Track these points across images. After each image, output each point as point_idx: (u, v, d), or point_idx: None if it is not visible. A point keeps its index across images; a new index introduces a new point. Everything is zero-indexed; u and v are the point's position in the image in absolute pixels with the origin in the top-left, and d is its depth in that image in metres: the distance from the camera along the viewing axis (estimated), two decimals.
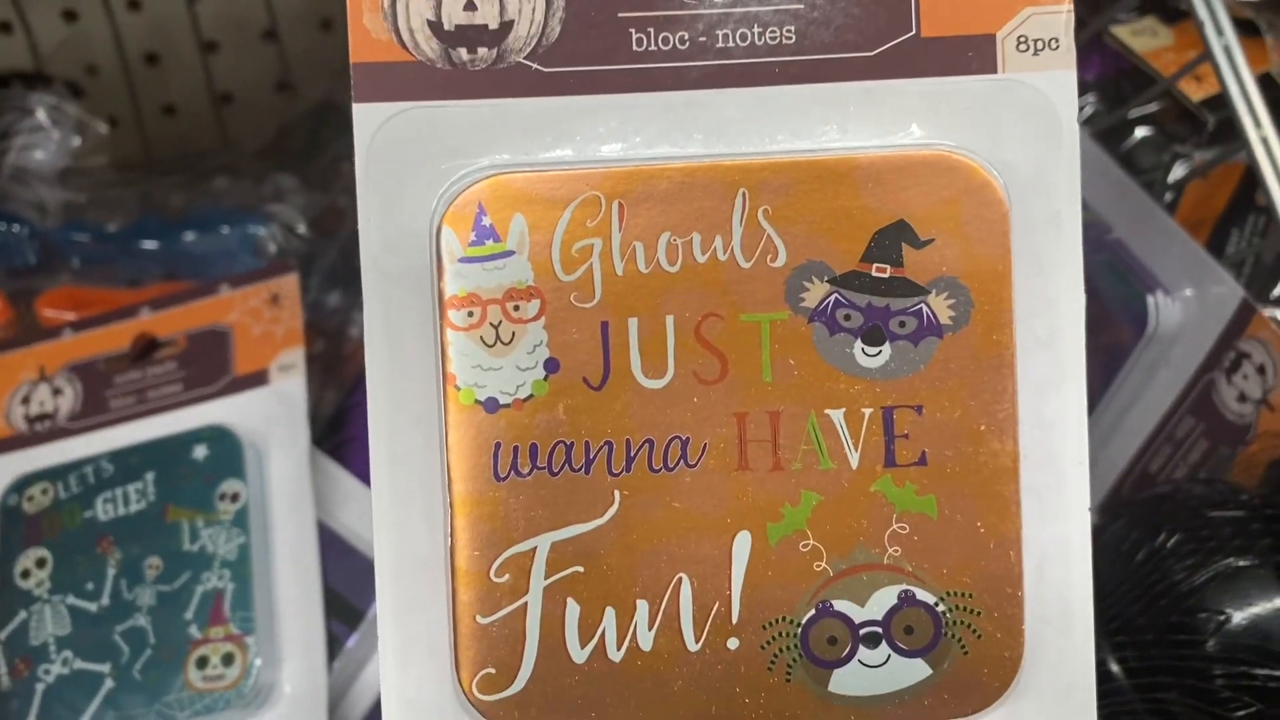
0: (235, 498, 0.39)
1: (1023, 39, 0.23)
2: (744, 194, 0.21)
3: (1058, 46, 0.23)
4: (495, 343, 0.21)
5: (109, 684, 0.37)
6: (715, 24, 0.23)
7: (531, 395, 0.21)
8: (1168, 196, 0.49)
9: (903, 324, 0.20)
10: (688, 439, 0.21)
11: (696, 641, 0.21)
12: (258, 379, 0.42)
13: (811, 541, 0.21)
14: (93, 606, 0.39)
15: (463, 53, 0.22)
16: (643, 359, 0.21)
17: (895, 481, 0.21)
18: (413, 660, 0.22)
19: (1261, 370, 0.39)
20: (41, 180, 0.55)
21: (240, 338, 0.43)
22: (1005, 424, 0.20)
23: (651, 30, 0.22)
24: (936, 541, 0.21)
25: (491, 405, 0.21)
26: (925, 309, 0.20)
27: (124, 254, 0.53)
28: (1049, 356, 0.21)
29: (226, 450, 0.40)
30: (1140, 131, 0.54)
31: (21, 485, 0.41)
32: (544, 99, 0.22)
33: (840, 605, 0.21)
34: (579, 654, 0.21)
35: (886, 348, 0.20)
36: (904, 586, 0.21)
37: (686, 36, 0.22)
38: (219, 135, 0.66)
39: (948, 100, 0.22)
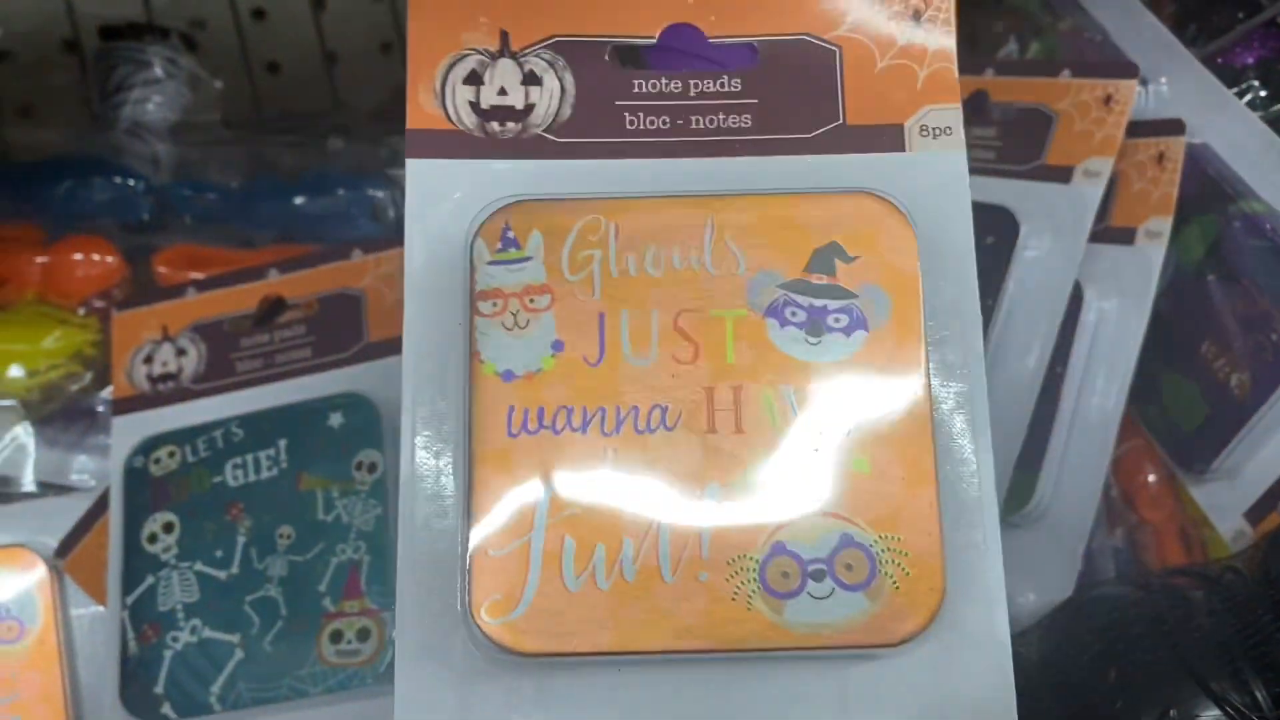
0: (373, 468, 0.38)
1: (924, 128, 0.31)
2: (712, 219, 0.27)
3: (951, 133, 0.31)
4: (514, 327, 0.27)
5: (239, 654, 0.36)
6: (690, 110, 0.30)
7: (540, 369, 0.27)
8: None
9: (837, 319, 0.27)
10: (666, 406, 0.26)
11: (672, 574, 0.25)
12: (392, 346, 0.40)
13: (769, 491, 0.26)
14: (222, 574, 0.37)
15: (494, 125, 0.30)
16: (631, 343, 0.27)
17: (834, 444, 0.26)
18: (428, 588, 0.26)
19: None
20: (155, 134, 0.54)
21: (373, 304, 0.41)
22: (921, 399, 0.26)
23: (641, 114, 0.30)
24: (869, 493, 0.26)
25: (508, 376, 0.26)
26: (855, 308, 0.27)
27: (238, 214, 0.52)
28: (955, 348, 0.27)
29: (363, 418, 0.38)
30: None
31: (148, 447, 0.40)
32: (557, 161, 0.30)
33: (792, 545, 0.26)
34: (574, 583, 0.26)
35: (825, 337, 0.27)
36: (844, 530, 0.25)
37: (668, 119, 0.30)
38: (326, 94, 0.65)
39: (868, 170, 0.30)
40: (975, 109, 0.49)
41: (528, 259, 0.27)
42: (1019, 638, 0.40)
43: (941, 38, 0.31)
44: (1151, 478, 0.50)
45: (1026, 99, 0.47)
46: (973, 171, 0.47)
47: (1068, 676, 0.36)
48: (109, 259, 0.49)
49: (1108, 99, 0.44)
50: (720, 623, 0.25)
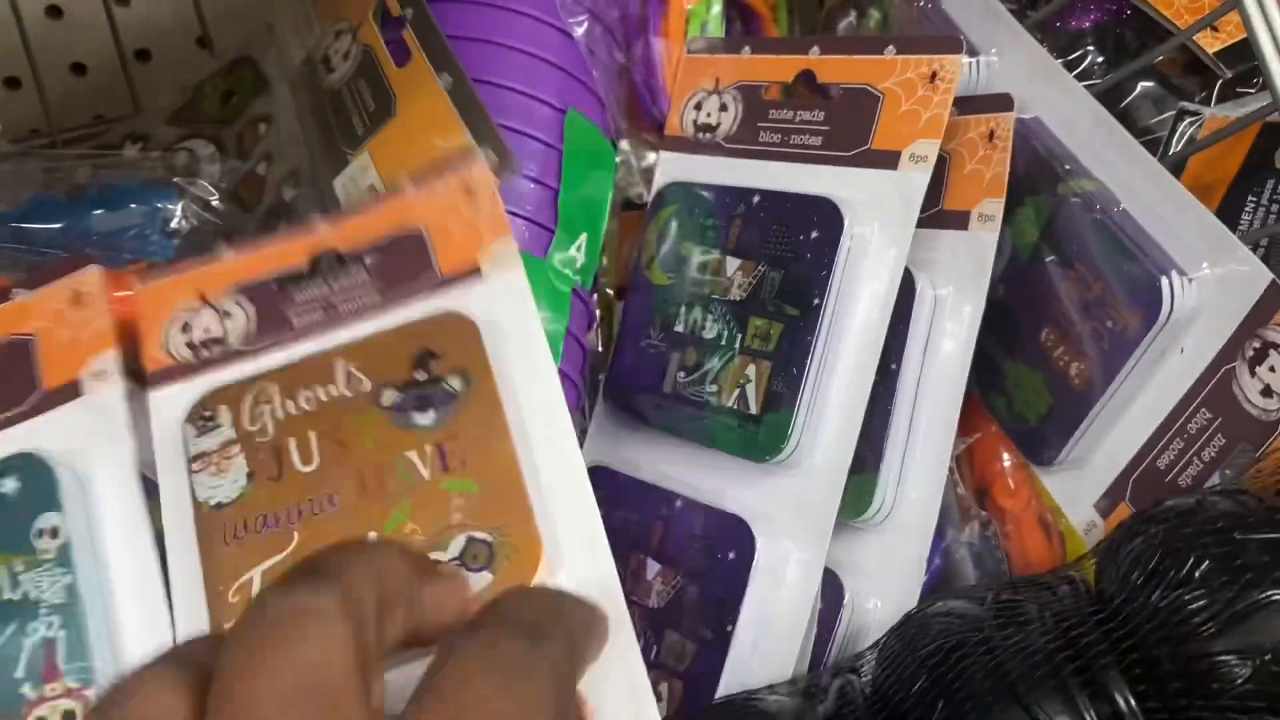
0: (55, 533, 0.34)
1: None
2: (339, 362, 0.37)
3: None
4: (217, 473, 0.35)
5: None
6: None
7: (240, 495, 0.35)
8: (1174, 156, 0.45)
9: (438, 398, 0.35)
10: (331, 492, 0.34)
11: None
12: (68, 392, 0.36)
13: (410, 524, 0.34)
14: None
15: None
16: (300, 459, 0.35)
17: (451, 478, 0.34)
18: None
19: None
20: None
21: (45, 346, 0.37)
22: (503, 434, 0.34)
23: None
24: (479, 504, 0.34)
25: (218, 506, 0.35)
26: (446, 389, 0.35)
27: (14, 238, 0.47)
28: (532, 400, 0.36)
29: (38, 480, 0.34)
30: (1140, 84, 0.49)
31: None
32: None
33: (435, 552, 0.33)
34: None
35: (431, 412, 0.35)
36: (467, 534, 0.33)
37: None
38: (130, 98, 0.60)
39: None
40: (804, 91, 0.47)
41: (220, 426, 0.36)
42: (852, 666, 0.37)
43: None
44: (1007, 465, 0.48)
45: (853, 79, 0.44)
46: (800, 159, 0.45)
47: (898, 710, 0.34)
48: None
49: (933, 76, 0.42)
50: None
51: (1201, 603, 0.30)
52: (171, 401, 0.36)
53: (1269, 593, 0.29)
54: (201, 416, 0.36)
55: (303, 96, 0.49)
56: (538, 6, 0.45)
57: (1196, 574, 0.30)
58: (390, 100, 0.44)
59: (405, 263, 0.38)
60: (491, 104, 0.43)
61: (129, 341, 0.37)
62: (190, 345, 0.38)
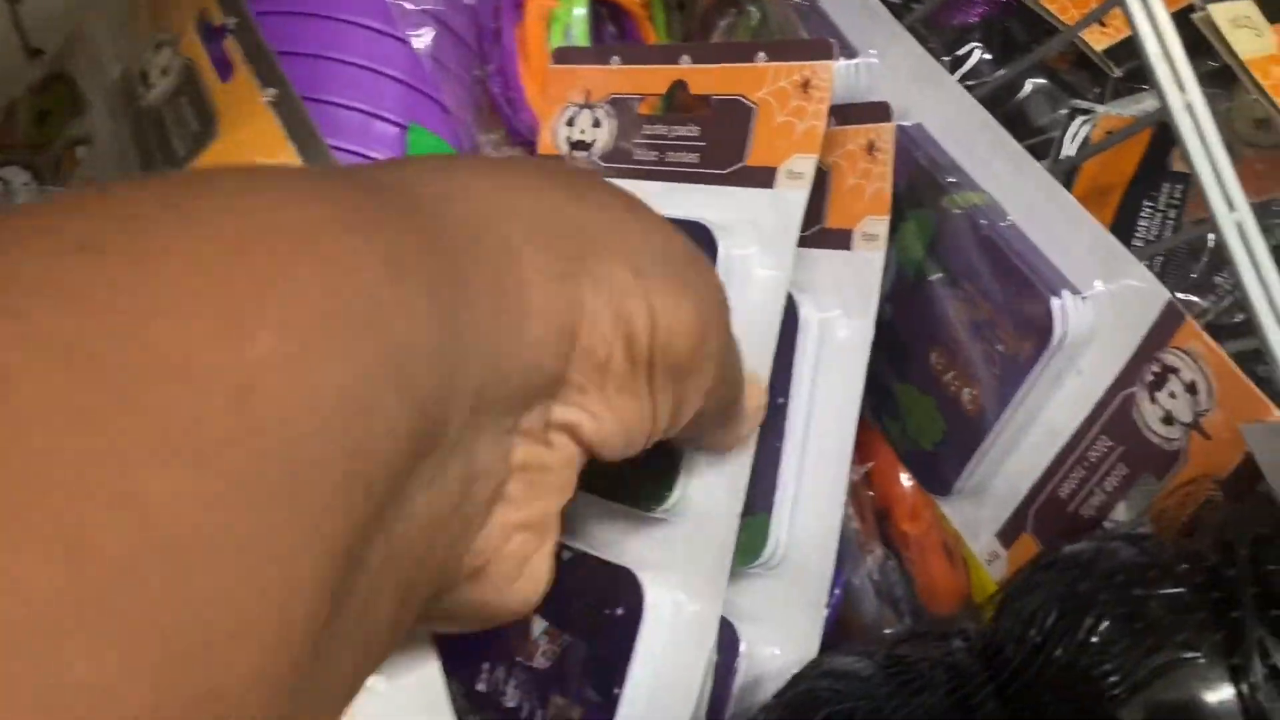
0: None
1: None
2: None
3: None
4: None
5: None
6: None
7: None
8: (1066, 161, 0.42)
9: None
10: None
11: None
12: None
13: None
14: None
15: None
16: None
17: None
18: None
19: (1192, 389, 0.33)
20: None
21: None
22: None
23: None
24: None
25: None
26: None
27: None
28: None
29: None
30: (1029, 81, 0.47)
31: None
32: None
33: None
34: None
35: None
36: None
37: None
38: None
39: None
40: (685, 102, 0.43)
41: None
42: None
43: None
44: (907, 488, 0.46)
45: (725, 89, 0.41)
46: (677, 178, 0.41)
47: None
48: None
49: (806, 84, 0.39)
50: None
51: (1102, 668, 0.27)
52: None
53: (1173, 655, 0.27)
54: None
55: (120, 116, 0.45)
56: (375, 17, 0.41)
57: (1094, 637, 0.28)
58: (213, 119, 0.41)
59: None
60: (326, 124, 0.40)
61: None
62: None
